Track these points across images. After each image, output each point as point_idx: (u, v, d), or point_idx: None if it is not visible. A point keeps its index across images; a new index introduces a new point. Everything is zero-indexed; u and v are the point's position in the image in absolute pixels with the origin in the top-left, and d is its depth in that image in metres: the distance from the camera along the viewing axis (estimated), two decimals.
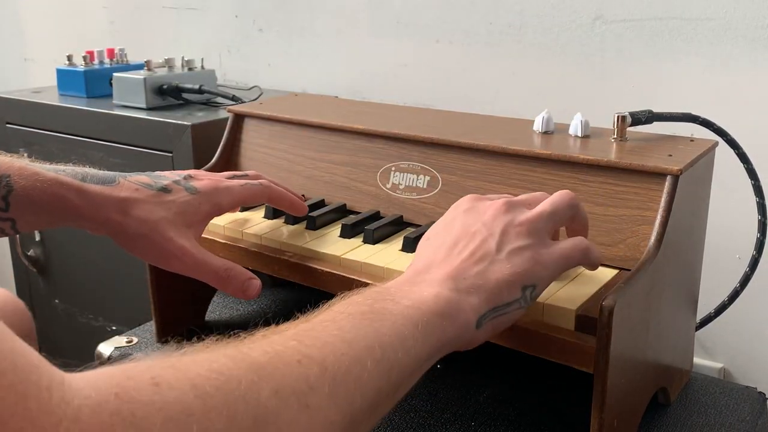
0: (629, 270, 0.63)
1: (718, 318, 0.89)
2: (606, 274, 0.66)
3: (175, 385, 0.33)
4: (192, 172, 0.77)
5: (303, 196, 0.86)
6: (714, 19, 1.02)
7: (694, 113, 0.82)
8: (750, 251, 0.84)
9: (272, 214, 0.83)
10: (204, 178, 0.76)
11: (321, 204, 0.85)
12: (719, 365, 1.12)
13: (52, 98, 1.42)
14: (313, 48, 1.46)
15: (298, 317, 0.46)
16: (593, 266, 0.63)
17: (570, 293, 0.62)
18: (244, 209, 0.86)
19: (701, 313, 0.85)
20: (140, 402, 0.32)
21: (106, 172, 0.73)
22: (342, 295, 0.50)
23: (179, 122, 1.18)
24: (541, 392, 0.77)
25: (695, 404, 0.77)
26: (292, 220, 0.81)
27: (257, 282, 0.70)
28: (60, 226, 0.71)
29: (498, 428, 0.71)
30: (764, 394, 0.79)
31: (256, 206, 0.87)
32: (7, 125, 1.44)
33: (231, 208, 0.78)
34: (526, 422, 0.72)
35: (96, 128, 1.30)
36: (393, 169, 0.83)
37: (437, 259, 0.55)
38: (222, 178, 0.77)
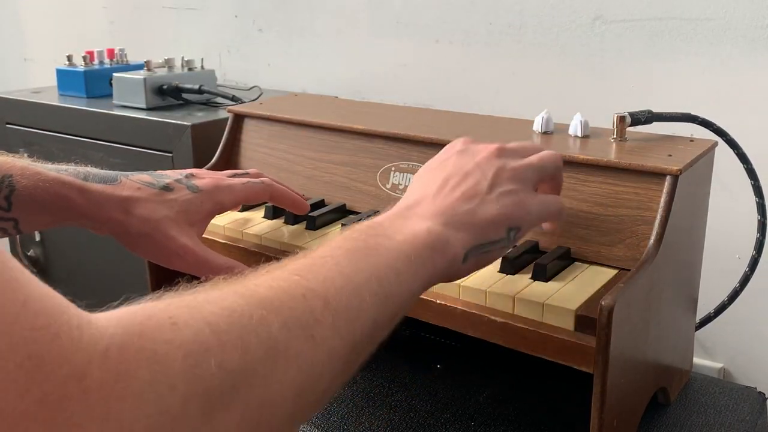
0: (629, 270, 0.63)
1: (717, 318, 0.89)
2: (606, 274, 0.66)
3: (192, 323, 0.35)
4: (193, 170, 0.77)
5: (303, 195, 0.86)
6: (714, 19, 1.02)
7: (693, 113, 0.81)
8: (750, 251, 0.84)
9: (272, 214, 0.83)
10: (206, 177, 0.76)
11: (321, 204, 0.85)
12: (719, 365, 1.12)
13: (52, 98, 1.42)
14: (312, 48, 1.46)
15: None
16: (556, 227, 0.66)
17: (570, 293, 0.62)
18: (245, 208, 0.86)
19: (701, 313, 0.85)
20: (161, 340, 0.33)
21: (108, 171, 0.73)
22: (337, 232, 0.51)
23: (179, 122, 1.18)
24: (540, 392, 0.77)
25: (695, 404, 0.77)
26: (292, 220, 0.81)
27: None
28: (62, 225, 0.72)
29: (498, 428, 0.71)
30: (764, 394, 0.79)
31: (256, 205, 0.87)
32: (7, 125, 1.44)
33: (233, 206, 0.78)
34: (526, 422, 0.72)
35: (96, 128, 1.30)
36: (393, 169, 0.83)
37: (429, 195, 0.57)
38: (223, 177, 0.78)
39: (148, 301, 0.37)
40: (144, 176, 0.73)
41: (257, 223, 0.83)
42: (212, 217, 0.76)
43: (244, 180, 0.78)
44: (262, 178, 0.79)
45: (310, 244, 0.76)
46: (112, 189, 0.70)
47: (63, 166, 0.71)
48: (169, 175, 0.74)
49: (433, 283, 0.53)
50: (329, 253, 0.47)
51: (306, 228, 0.80)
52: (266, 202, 0.84)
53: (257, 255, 0.78)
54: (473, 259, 0.55)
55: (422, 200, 0.57)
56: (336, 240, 0.49)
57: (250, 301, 0.39)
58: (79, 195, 0.69)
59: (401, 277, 0.49)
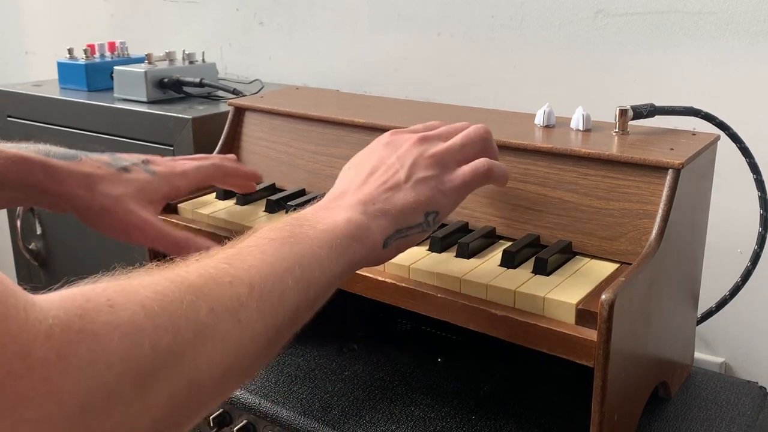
0: (630, 264, 0.63)
1: (719, 312, 0.88)
2: (607, 268, 0.66)
3: (128, 306, 0.38)
4: (149, 157, 0.81)
5: (258, 176, 0.89)
6: (716, 13, 1.02)
7: (696, 107, 0.81)
8: (752, 246, 0.84)
9: (273, 207, 0.83)
10: (161, 163, 0.80)
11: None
12: (720, 360, 1.11)
13: (53, 91, 1.42)
14: (314, 41, 1.46)
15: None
16: (501, 183, 0.67)
17: (570, 287, 0.62)
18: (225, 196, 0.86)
19: (702, 307, 0.85)
20: (100, 322, 0.36)
21: (68, 149, 0.75)
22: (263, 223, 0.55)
23: (180, 116, 1.17)
24: (541, 386, 0.77)
25: (696, 398, 0.77)
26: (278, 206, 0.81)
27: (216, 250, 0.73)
28: (24, 204, 0.75)
29: (498, 421, 0.71)
30: (765, 388, 0.79)
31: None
32: (8, 118, 1.44)
33: (188, 191, 0.82)
34: (527, 416, 0.72)
35: (97, 122, 1.30)
36: None
37: (352, 187, 0.61)
38: (177, 163, 0.81)
39: (86, 284, 0.39)
40: (103, 157, 0.76)
41: (259, 216, 0.83)
42: (167, 201, 0.80)
43: (197, 164, 0.82)
44: (212, 161, 0.84)
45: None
46: (74, 165, 0.73)
47: (23, 144, 0.72)
48: (127, 159, 0.78)
49: (354, 268, 0.57)
50: (255, 242, 0.51)
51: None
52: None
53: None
54: (394, 244, 0.59)
55: (346, 192, 0.61)
56: (263, 231, 0.53)
57: (181, 287, 0.42)
58: (42, 171, 0.71)
59: (323, 264, 0.52)
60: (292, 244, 0.51)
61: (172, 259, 0.50)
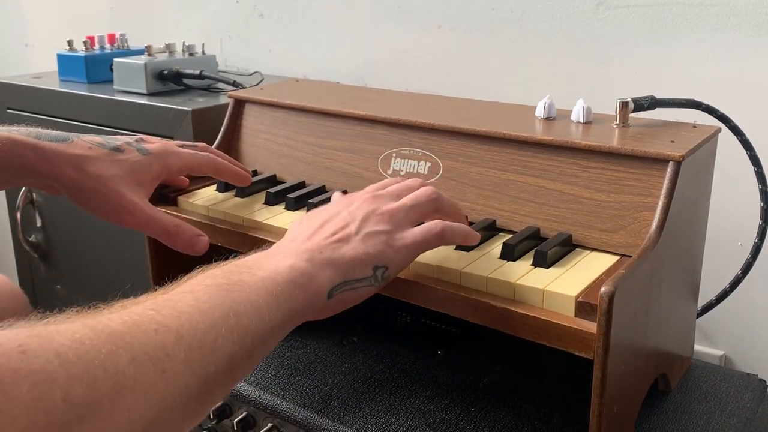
0: (630, 256, 0.62)
1: (719, 305, 0.89)
2: (607, 260, 0.66)
3: (40, 353, 0.36)
4: (143, 136, 0.80)
5: (255, 171, 0.89)
6: (717, 5, 1.01)
7: (697, 99, 0.81)
8: (752, 238, 0.84)
9: (272, 199, 0.83)
10: (155, 142, 0.80)
11: (322, 190, 0.85)
12: (720, 352, 1.12)
13: (53, 83, 1.41)
14: (314, 34, 1.45)
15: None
16: (463, 242, 0.66)
17: (570, 279, 0.62)
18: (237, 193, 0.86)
19: (702, 300, 0.85)
20: (8, 369, 0.34)
21: (59, 132, 0.75)
22: (201, 268, 0.53)
23: (180, 108, 1.17)
24: (540, 378, 0.77)
25: (696, 391, 0.77)
26: (292, 206, 0.81)
27: (205, 239, 0.74)
28: (15, 185, 0.75)
29: (498, 414, 0.71)
30: (765, 381, 0.79)
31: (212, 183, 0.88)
32: (8, 110, 1.44)
33: (179, 172, 0.81)
34: (526, 408, 0.72)
35: (97, 113, 1.29)
36: (394, 155, 0.82)
37: (301, 237, 0.60)
38: (172, 144, 0.81)
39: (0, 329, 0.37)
40: (95, 137, 0.76)
41: (276, 214, 0.82)
42: (159, 180, 0.79)
43: (192, 150, 0.81)
44: (207, 152, 0.83)
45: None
46: (65, 147, 0.72)
47: (14, 127, 0.72)
48: (120, 139, 0.77)
49: (297, 318, 0.54)
50: (190, 288, 0.48)
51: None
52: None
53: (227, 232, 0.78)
54: (338, 296, 0.57)
55: (294, 241, 0.59)
56: (199, 277, 0.51)
57: (101, 335, 0.39)
58: (33, 152, 0.71)
59: (262, 312, 0.49)
60: (229, 291, 0.49)
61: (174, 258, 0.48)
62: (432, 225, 0.63)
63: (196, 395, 0.43)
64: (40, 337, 0.37)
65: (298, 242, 0.59)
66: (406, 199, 0.65)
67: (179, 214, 0.84)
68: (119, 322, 0.41)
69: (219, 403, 0.78)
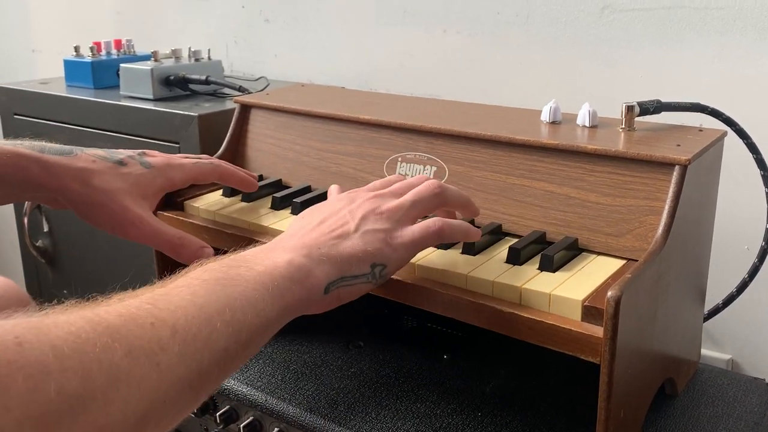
0: (637, 260, 0.62)
1: (726, 309, 0.88)
2: (613, 264, 0.66)
3: (36, 345, 0.36)
4: (146, 150, 0.81)
5: (261, 176, 0.89)
6: (723, 8, 1.01)
7: (703, 103, 0.81)
8: (759, 242, 0.84)
9: (278, 204, 0.83)
10: (157, 156, 0.80)
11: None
12: (727, 356, 1.11)
13: (60, 89, 1.42)
14: (319, 38, 1.46)
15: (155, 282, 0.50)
16: (463, 239, 0.66)
17: (576, 284, 0.62)
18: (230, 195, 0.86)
19: (709, 304, 0.85)
20: (4, 360, 0.34)
21: (63, 145, 0.75)
22: (199, 262, 0.53)
23: (186, 113, 1.18)
24: (547, 383, 0.77)
25: (702, 395, 0.76)
26: (298, 211, 0.81)
27: (209, 250, 0.74)
28: (19, 199, 0.76)
29: (504, 418, 0.71)
30: None
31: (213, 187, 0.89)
32: (15, 116, 1.45)
33: (183, 184, 0.81)
34: (532, 412, 0.72)
35: (103, 119, 1.30)
36: (400, 159, 0.82)
37: (300, 233, 0.60)
38: (175, 156, 0.81)
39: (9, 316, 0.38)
40: (99, 151, 0.76)
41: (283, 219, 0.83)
42: (163, 193, 0.79)
43: (194, 160, 0.82)
44: (211, 160, 0.83)
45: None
46: (69, 160, 0.73)
47: (18, 141, 0.73)
48: (123, 152, 0.78)
49: (293, 312, 0.54)
50: (186, 283, 0.49)
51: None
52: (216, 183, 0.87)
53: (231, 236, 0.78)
54: (335, 292, 0.57)
55: (293, 237, 0.60)
56: (196, 271, 0.51)
57: (97, 328, 0.40)
58: (37, 166, 0.71)
59: (258, 306, 0.50)
60: (225, 286, 0.49)
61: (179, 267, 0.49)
62: (430, 223, 0.63)
63: (189, 388, 0.44)
64: (37, 329, 0.37)
65: (297, 237, 0.59)
66: (408, 196, 0.65)
67: (186, 219, 0.84)
68: (116, 315, 0.42)
69: (226, 408, 0.78)
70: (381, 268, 0.60)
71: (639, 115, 0.77)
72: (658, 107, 0.79)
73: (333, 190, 0.72)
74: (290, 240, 0.59)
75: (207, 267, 0.52)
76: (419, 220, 0.65)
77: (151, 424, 0.41)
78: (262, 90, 1.23)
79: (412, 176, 0.80)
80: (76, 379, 0.37)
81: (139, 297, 0.45)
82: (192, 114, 1.17)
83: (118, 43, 1.47)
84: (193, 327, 0.45)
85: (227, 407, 0.78)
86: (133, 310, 0.43)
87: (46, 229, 1.51)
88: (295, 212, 0.81)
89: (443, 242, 0.66)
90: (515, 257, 0.66)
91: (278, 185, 0.89)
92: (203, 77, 1.31)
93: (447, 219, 0.65)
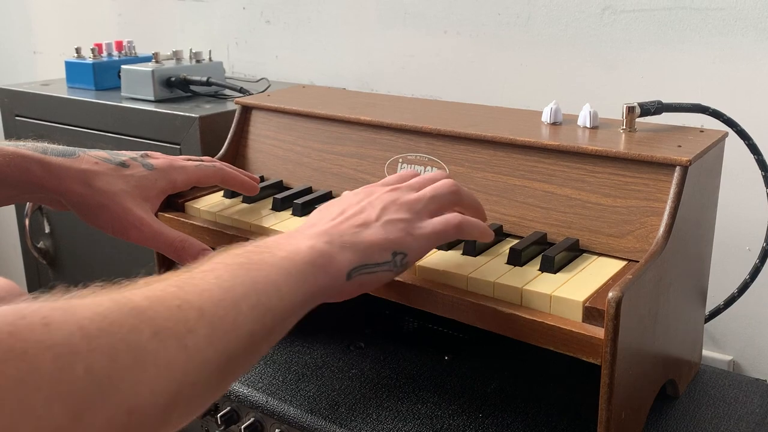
0: (638, 261, 0.62)
1: (727, 310, 0.88)
2: (614, 265, 0.66)
3: (64, 326, 0.36)
4: (148, 152, 0.81)
5: (262, 177, 0.89)
6: (724, 9, 1.01)
7: (703, 104, 0.81)
8: (760, 242, 0.84)
9: (279, 205, 0.83)
10: (160, 157, 0.80)
11: (329, 195, 0.85)
12: (728, 357, 1.11)
13: (61, 91, 1.42)
14: (320, 40, 1.46)
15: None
16: (479, 238, 0.67)
17: (577, 285, 0.62)
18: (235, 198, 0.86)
19: (710, 305, 0.84)
20: (32, 340, 0.34)
21: (65, 146, 0.75)
22: (223, 248, 0.53)
23: (187, 114, 1.18)
24: (548, 384, 0.77)
25: (704, 396, 0.76)
26: (299, 212, 0.81)
27: (210, 253, 0.73)
28: (21, 200, 0.76)
29: (505, 420, 0.71)
30: None
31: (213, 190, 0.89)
32: (17, 118, 1.45)
33: (185, 186, 0.81)
34: (533, 414, 0.72)
35: (104, 120, 1.30)
36: (400, 160, 0.82)
37: (321, 223, 0.61)
38: (177, 158, 0.82)
39: (23, 302, 0.37)
40: (101, 153, 0.76)
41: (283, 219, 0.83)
42: (165, 195, 0.80)
43: (197, 162, 0.82)
44: (213, 162, 0.83)
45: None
46: (71, 162, 0.73)
47: (21, 142, 0.73)
48: (125, 154, 0.78)
49: (316, 299, 0.55)
50: (211, 267, 0.49)
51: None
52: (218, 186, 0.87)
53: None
54: (357, 278, 0.58)
55: (313, 226, 0.60)
56: (220, 256, 0.51)
57: (124, 309, 0.40)
58: (40, 168, 0.71)
59: (281, 291, 0.50)
60: (249, 270, 0.50)
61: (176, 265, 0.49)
62: (451, 217, 0.64)
63: (217, 371, 0.44)
64: (64, 309, 0.37)
65: (318, 226, 0.60)
66: (427, 191, 0.65)
67: (187, 220, 0.84)
68: (142, 297, 0.42)
69: (227, 409, 0.78)
70: (402, 257, 0.61)
71: (640, 116, 0.77)
72: (659, 108, 0.78)
73: (346, 192, 0.72)
74: (311, 228, 0.60)
75: (230, 252, 0.52)
76: None
77: (180, 406, 0.41)
78: (263, 91, 1.23)
79: None
80: (103, 360, 0.37)
81: (164, 280, 0.46)
82: (193, 115, 1.17)
83: (119, 44, 1.47)
84: (219, 310, 0.45)
85: (228, 408, 0.78)
86: (159, 292, 0.43)
87: (47, 230, 1.51)
88: (296, 213, 0.81)
89: (460, 238, 0.67)
90: (516, 258, 0.66)
91: (279, 186, 0.90)
92: (204, 79, 1.31)
93: (466, 216, 0.66)
